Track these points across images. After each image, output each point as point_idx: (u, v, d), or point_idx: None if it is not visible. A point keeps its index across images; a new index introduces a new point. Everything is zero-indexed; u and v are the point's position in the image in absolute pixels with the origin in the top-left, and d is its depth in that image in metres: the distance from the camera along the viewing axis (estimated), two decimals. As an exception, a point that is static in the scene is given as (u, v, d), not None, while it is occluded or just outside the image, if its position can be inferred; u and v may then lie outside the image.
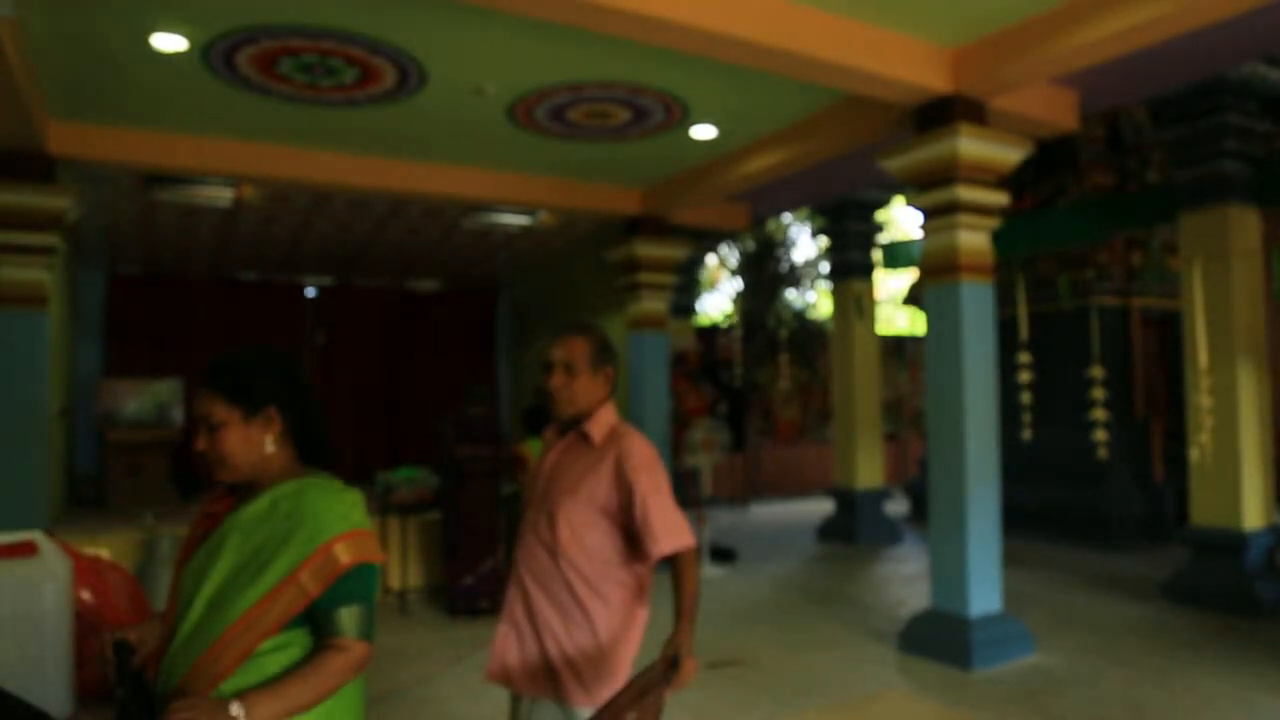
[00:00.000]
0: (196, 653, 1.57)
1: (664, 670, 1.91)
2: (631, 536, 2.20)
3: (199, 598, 1.61)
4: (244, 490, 1.72)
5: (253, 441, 1.68)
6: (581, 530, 2.20)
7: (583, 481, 2.22)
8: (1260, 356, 6.12)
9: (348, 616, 1.60)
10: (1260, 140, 6.28)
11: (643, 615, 2.28)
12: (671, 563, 2.18)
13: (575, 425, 2.31)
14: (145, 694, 1.64)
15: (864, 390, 9.26)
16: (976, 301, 5.19)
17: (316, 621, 1.61)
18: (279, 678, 1.54)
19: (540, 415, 6.95)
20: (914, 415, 14.36)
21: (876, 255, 9.40)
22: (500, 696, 4.38)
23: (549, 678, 2.20)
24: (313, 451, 1.77)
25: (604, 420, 2.29)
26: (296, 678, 1.54)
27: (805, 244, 15.65)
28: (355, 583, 1.61)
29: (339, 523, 1.62)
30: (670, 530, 2.15)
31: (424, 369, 12.27)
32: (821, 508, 11.52)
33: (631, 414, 7.90)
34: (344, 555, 1.59)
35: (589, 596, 2.18)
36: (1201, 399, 6.02)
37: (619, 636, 2.20)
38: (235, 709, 1.45)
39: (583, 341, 2.27)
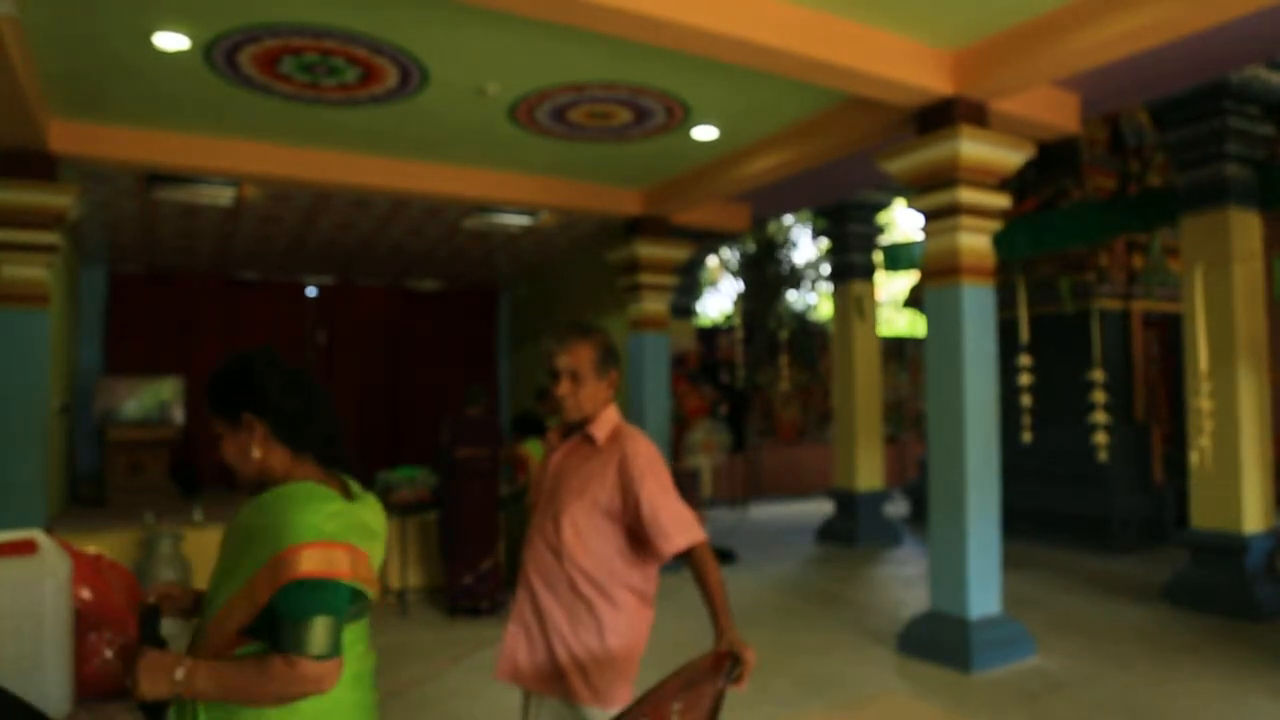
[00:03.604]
0: (195, 643, 1.63)
1: (723, 666, 1.91)
2: (636, 538, 2.22)
3: (207, 594, 1.67)
4: (258, 491, 1.74)
5: (242, 449, 1.69)
6: (586, 532, 2.22)
7: (587, 484, 2.24)
8: (1261, 360, 6.12)
9: (294, 631, 1.49)
10: (1261, 144, 6.28)
11: (649, 616, 2.29)
12: (688, 559, 2.20)
13: (580, 427, 2.33)
14: (155, 628, 1.66)
15: (864, 392, 9.26)
16: (977, 304, 5.19)
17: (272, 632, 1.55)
18: (226, 661, 1.54)
19: (529, 421, 6.94)
20: (914, 417, 14.35)
21: (877, 257, 9.39)
22: (500, 696, 4.38)
23: (556, 677, 2.22)
24: (321, 449, 1.73)
25: (607, 422, 2.32)
26: (238, 668, 1.52)
27: (806, 245, 15.66)
28: (305, 596, 1.50)
29: (304, 532, 1.52)
30: (681, 526, 2.18)
31: (424, 369, 12.28)
32: (821, 509, 11.52)
33: (632, 415, 7.89)
34: (296, 566, 1.49)
35: (595, 597, 2.20)
36: (1202, 402, 6.02)
37: (625, 637, 2.22)
38: (179, 673, 1.50)
39: (588, 347, 2.29)
